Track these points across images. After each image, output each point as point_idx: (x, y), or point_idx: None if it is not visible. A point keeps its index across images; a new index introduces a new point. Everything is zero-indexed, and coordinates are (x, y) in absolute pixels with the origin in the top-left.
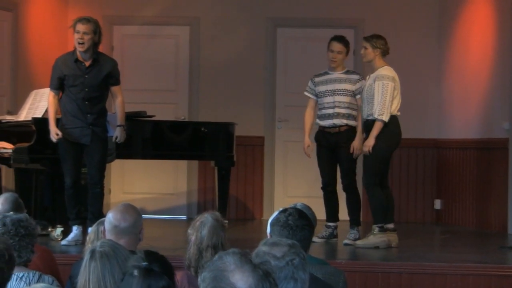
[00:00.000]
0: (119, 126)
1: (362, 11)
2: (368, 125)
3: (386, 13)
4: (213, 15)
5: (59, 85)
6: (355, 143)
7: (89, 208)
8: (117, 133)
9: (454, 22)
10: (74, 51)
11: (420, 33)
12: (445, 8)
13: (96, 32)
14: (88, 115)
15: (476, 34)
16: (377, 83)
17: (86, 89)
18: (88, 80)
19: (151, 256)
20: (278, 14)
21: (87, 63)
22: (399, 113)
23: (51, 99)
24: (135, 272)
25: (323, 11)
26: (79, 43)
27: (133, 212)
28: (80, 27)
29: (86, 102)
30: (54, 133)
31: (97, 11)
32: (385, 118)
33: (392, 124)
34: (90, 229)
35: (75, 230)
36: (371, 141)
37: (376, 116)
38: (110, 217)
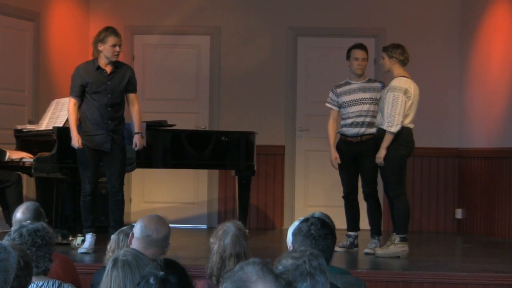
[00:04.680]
0: (137, 133)
1: (383, 20)
2: (380, 133)
3: (407, 22)
4: (233, 25)
5: (81, 93)
6: (378, 154)
7: (111, 216)
8: (136, 141)
9: (476, 30)
10: (94, 60)
11: (442, 41)
12: (466, 16)
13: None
14: (110, 122)
15: (498, 42)
16: (389, 94)
17: (109, 95)
18: (111, 86)
19: (171, 266)
20: (299, 24)
21: (108, 70)
22: (412, 125)
23: (72, 107)
24: (151, 280)
25: (344, 20)
26: (114, 55)
27: (166, 225)
28: (116, 40)
29: (109, 108)
30: (77, 140)
31: (119, 21)
32: (394, 129)
33: (405, 135)
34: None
35: (90, 238)
36: (382, 153)
37: (385, 127)
38: (143, 226)
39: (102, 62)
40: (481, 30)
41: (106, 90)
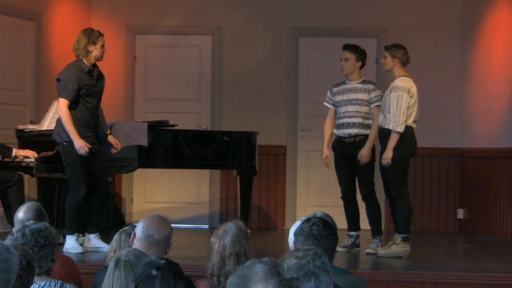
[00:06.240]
0: (110, 134)
1: (385, 20)
2: (382, 133)
3: (409, 22)
4: (235, 25)
5: (76, 96)
6: (363, 151)
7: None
8: (115, 141)
9: (477, 31)
10: (81, 62)
11: (443, 42)
12: (467, 17)
13: None
14: (96, 123)
15: (499, 42)
16: (392, 94)
17: (97, 97)
18: (98, 87)
19: (165, 259)
20: (300, 24)
21: (94, 73)
22: (414, 125)
23: (68, 111)
24: (153, 272)
25: (345, 20)
26: (103, 56)
27: (168, 225)
28: (104, 41)
29: (96, 110)
30: (84, 144)
31: (120, 21)
32: (400, 129)
33: (407, 134)
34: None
35: (75, 238)
36: (389, 154)
37: (391, 127)
38: (145, 227)
39: (88, 64)
40: (483, 30)
41: (95, 92)
